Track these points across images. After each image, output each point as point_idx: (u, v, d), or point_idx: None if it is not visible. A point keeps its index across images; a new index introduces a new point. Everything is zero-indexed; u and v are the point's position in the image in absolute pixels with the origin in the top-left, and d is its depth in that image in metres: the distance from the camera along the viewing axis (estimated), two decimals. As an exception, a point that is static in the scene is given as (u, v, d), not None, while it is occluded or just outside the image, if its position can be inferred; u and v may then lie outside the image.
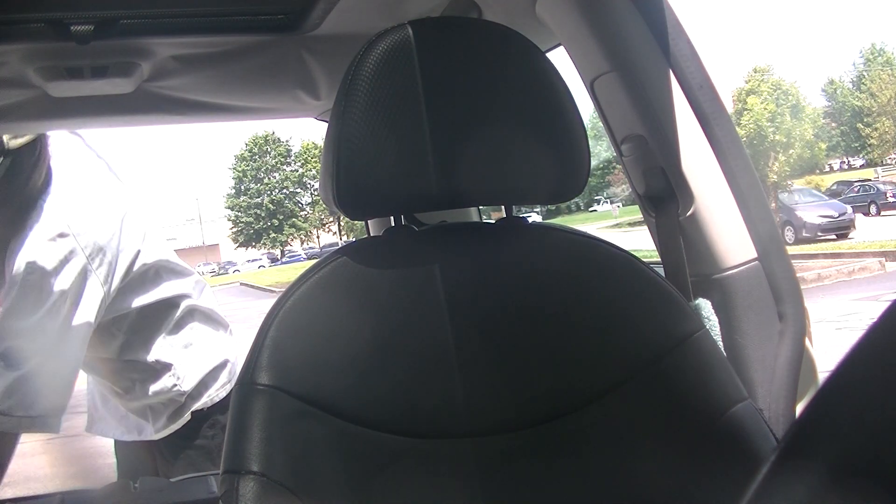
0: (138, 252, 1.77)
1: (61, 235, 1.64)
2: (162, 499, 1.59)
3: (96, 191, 1.76)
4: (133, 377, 1.83)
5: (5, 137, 1.60)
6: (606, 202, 45.23)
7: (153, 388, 1.83)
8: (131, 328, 1.80)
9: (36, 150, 1.65)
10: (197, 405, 1.87)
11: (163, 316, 1.83)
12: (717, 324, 1.14)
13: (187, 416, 1.87)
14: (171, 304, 1.84)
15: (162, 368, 1.83)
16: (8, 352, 1.60)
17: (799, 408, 1.12)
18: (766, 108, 24.31)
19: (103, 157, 1.85)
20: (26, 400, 1.60)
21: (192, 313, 1.88)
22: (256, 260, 51.57)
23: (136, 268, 1.77)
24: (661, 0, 1.16)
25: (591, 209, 44.68)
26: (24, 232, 1.62)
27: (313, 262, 1.00)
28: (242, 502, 0.83)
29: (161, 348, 1.83)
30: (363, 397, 0.89)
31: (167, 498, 1.59)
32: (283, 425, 0.86)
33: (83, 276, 1.65)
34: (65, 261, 1.63)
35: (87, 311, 1.67)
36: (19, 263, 1.60)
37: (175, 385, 1.84)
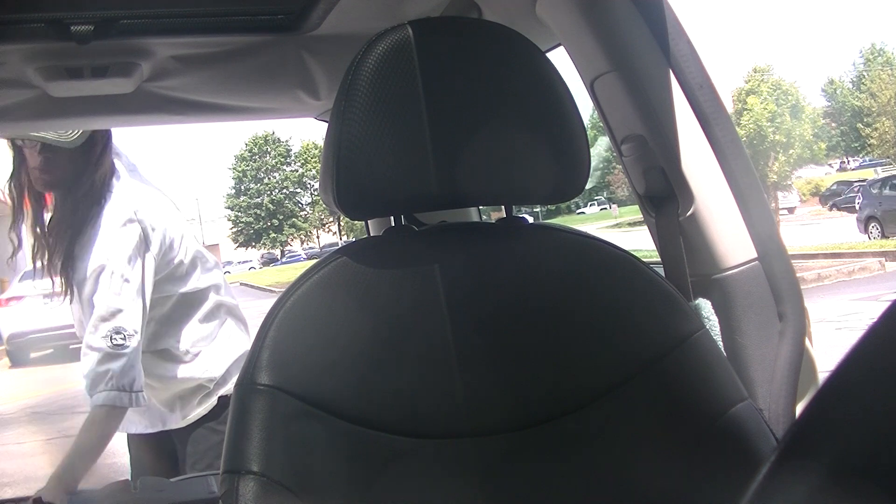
0: (181, 243, 1.89)
1: (130, 221, 1.78)
2: (162, 499, 1.59)
3: (147, 185, 1.90)
4: (165, 366, 1.91)
5: None
6: (595, 204, 44.90)
7: (184, 375, 1.91)
8: (162, 317, 1.88)
9: (102, 141, 1.83)
10: (223, 391, 1.95)
11: (193, 306, 1.92)
12: (717, 324, 1.14)
13: (214, 400, 1.95)
14: (201, 295, 1.94)
15: (192, 357, 1.91)
16: (116, 332, 1.73)
17: (799, 408, 1.12)
18: (766, 108, 24.27)
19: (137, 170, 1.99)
20: (138, 377, 1.74)
21: (220, 306, 1.98)
22: (247, 261, 51.44)
23: (177, 258, 1.88)
24: (661, 0, 1.16)
25: (578, 211, 43.49)
26: (96, 220, 1.79)
27: (313, 262, 1.00)
28: (242, 502, 0.83)
29: (191, 337, 1.91)
30: (363, 397, 0.89)
31: (167, 498, 1.59)
32: (283, 425, 0.86)
33: (149, 259, 1.80)
34: (136, 245, 1.77)
35: (149, 292, 1.81)
36: (100, 250, 1.76)
37: (206, 370, 1.92)
